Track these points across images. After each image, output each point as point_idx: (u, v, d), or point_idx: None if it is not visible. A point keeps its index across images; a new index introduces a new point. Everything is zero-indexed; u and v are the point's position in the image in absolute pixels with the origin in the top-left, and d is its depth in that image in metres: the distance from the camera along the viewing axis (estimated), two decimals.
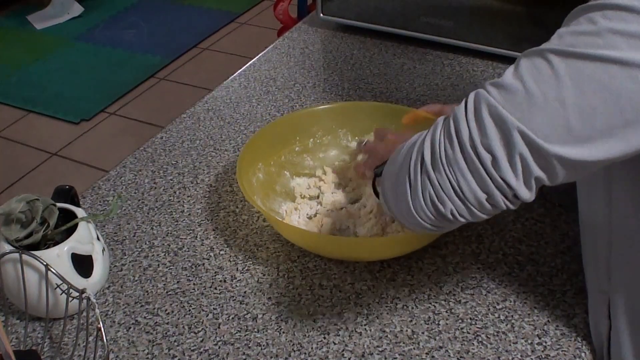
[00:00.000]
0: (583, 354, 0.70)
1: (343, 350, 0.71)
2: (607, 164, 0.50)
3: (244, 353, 0.72)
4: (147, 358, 0.72)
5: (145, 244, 0.87)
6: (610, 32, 0.46)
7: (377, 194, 0.71)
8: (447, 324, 0.74)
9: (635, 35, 0.45)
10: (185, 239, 0.87)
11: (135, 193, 0.96)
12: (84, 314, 0.73)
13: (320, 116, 0.98)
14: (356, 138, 0.97)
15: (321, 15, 1.35)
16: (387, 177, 0.62)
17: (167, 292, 0.80)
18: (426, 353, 0.71)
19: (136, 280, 0.81)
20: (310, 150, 0.98)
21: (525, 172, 0.49)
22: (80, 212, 0.79)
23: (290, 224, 0.85)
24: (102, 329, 0.66)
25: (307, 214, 0.90)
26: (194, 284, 0.80)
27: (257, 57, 1.29)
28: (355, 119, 0.97)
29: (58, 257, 0.73)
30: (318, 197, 0.92)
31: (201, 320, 0.76)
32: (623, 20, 0.45)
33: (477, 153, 0.50)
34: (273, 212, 0.88)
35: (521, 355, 0.70)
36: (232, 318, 0.76)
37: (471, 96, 0.52)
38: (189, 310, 0.77)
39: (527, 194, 0.51)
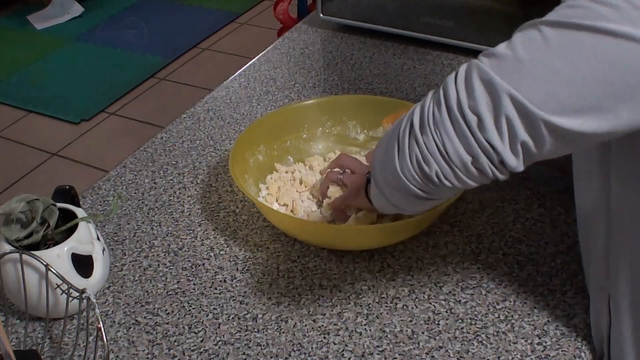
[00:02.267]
0: (583, 354, 0.70)
1: (343, 350, 0.71)
2: (599, 141, 0.49)
3: (244, 353, 0.72)
4: (147, 358, 0.72)
5: (145, 244, 0.87)
6: (604, 4, 0.45)
7: (369, 200, 0.71)
8: (447, 324, 0.74)
9: (631, 6, 0.44)
10: (185, 239, 0.87)
11: (135, 193, 0.96)
12: (84, 314, 0.73)
13: (331, 106, 0.98)
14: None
15: (321, 15, 1.34)
16: (376, 152, 0.63)
17: (167, 292, 0.80)
18: (426, 353, 0.71)
19: (136, 280, 0.81)
20: (318, 139, 0.98)
21: (511, 135, 0.49)
22: (80, 212, 0.79)
23: (268, 205, 0.87)
24: (102, 329, 0.66)
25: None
26: (194, 284, 0.80)
27: (257, 57, 1.29)
28: (365, 112, 0.98)
29: (58, 257, 0.73)
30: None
31: (201, 320, 0.76)
32: None
33: (463, 115, 0.51)
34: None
35: (521, 355, 0.70)
36: (232, 318, 0.76)
37: (463, 66, 0.53)
38: (189, 310, 0.77)
39: (514, 161, 0.51)
